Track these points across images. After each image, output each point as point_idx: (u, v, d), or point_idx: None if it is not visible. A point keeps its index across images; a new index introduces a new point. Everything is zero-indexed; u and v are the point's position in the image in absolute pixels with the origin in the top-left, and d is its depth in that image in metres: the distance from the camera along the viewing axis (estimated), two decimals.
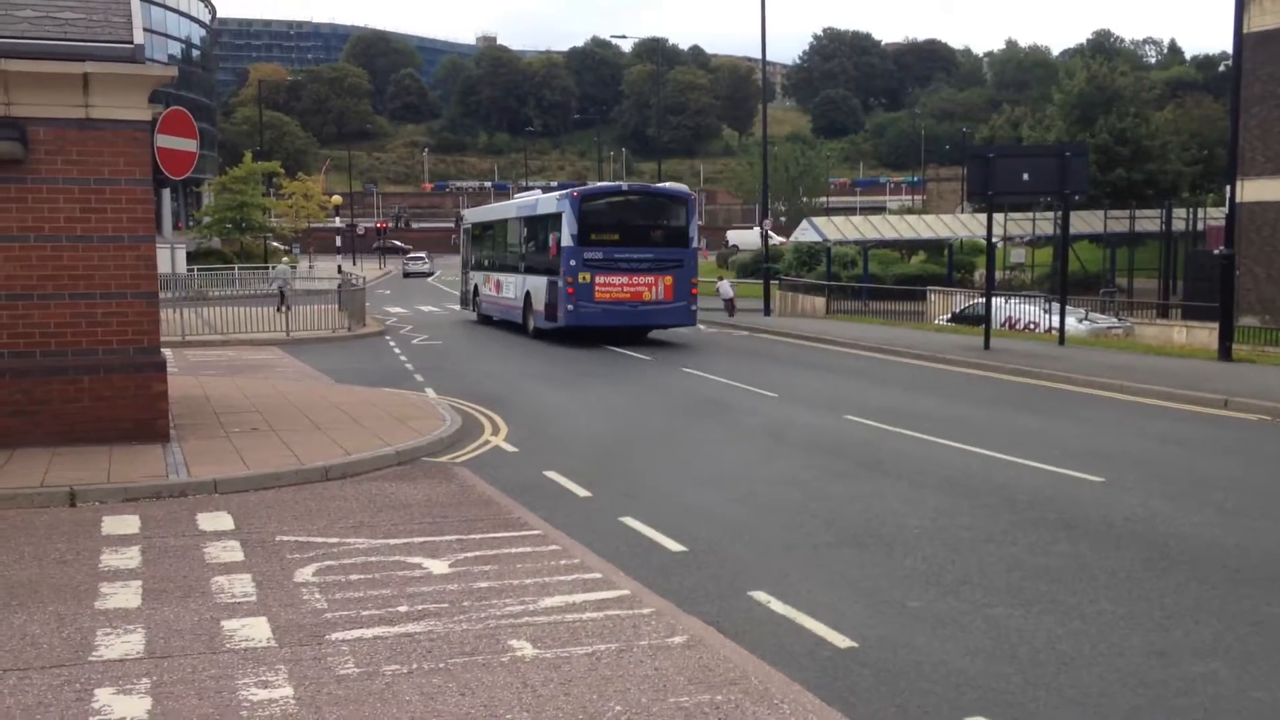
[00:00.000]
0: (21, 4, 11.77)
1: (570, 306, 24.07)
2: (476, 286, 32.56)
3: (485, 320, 31.47)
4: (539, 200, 27.64)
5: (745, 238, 74.47)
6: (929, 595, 7.17)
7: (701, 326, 32.13)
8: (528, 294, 26.72)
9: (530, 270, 26.94)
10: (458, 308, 36.03)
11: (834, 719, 5.19)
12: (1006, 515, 9.30)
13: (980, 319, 24.87)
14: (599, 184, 35.55)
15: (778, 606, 6.90)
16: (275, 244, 62.81)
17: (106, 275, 11.43)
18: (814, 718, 5.17)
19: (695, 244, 25.69)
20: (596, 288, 23.93)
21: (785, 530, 8.85)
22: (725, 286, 37.99)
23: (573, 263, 23.91)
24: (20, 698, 5.37)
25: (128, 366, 11.56)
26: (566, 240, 24.05)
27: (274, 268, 42.58)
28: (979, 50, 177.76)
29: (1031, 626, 6.58)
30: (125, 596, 6.97)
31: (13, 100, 10.92)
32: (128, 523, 8.86)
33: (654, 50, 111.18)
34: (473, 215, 36.32)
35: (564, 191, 26.04)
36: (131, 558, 7.86)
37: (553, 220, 25.19)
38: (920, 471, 11.15)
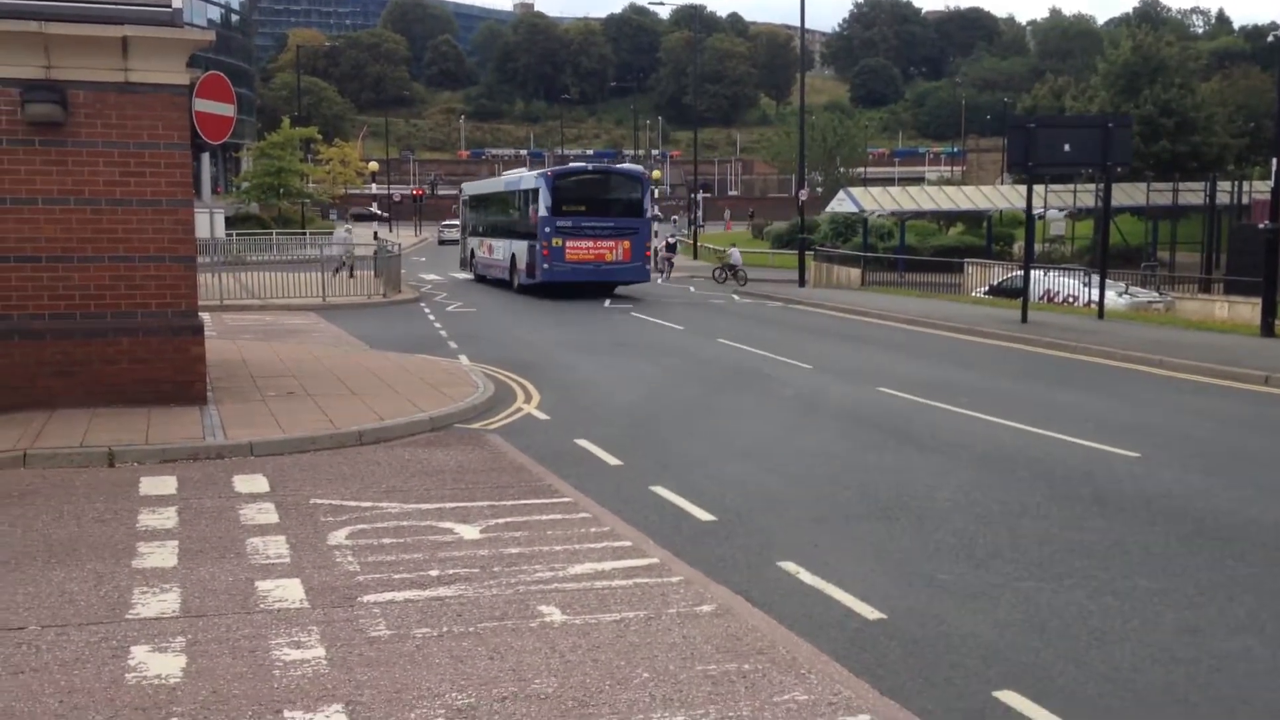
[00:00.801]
0: None
1: (545, 266, 28.54)
2: (473, 250, 37.19)
3: (480, 279, 35.48)
4: (522, 177, 32.52)
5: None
6: (959, 568, 7.14)
7: (735, 297, 32.07)
8: (513, 256, 31.24)
9: (515, 236, 31.43)
10: (465, 273, 38.45)
11: (861, 690, 5.19)
12: (1040, 489, 9.23)
13: (1018, 292, 24.62)
14: (570, 164, 40.36)
15: (807, 577, 6.90)
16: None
17: (145, 238, 11.53)
18: (841, 688, 5.17)
19: (649, 215, 30.48)
20: (567, 250, 28.42)
21: (816, 501, 8.83)
22: (735, 254, 40.08)
23: (547, 230, 28.35)
24: (58, 653, 5.47)
25: (166, 329, 11.68)
26: (543, 211, 28.44)
27: (335, 233, 43.20)
28: (1022, 18, 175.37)
29: (1063, 601, 6.53)
30: (162, 556, 7.08)
31: (53, 63, 10.99)
32: (165, 483, 8.98)
33: (692, 17, 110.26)
34: (470, 188, 40.79)
35: (540, 171, 31.27)
36: (168, 518, 7.97)
37: (532, 194, 29.59)
38: (953, 445, 11.08)
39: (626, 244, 28.94)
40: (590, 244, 28.70)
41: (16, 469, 9.36)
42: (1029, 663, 5.63)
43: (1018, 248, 46.48)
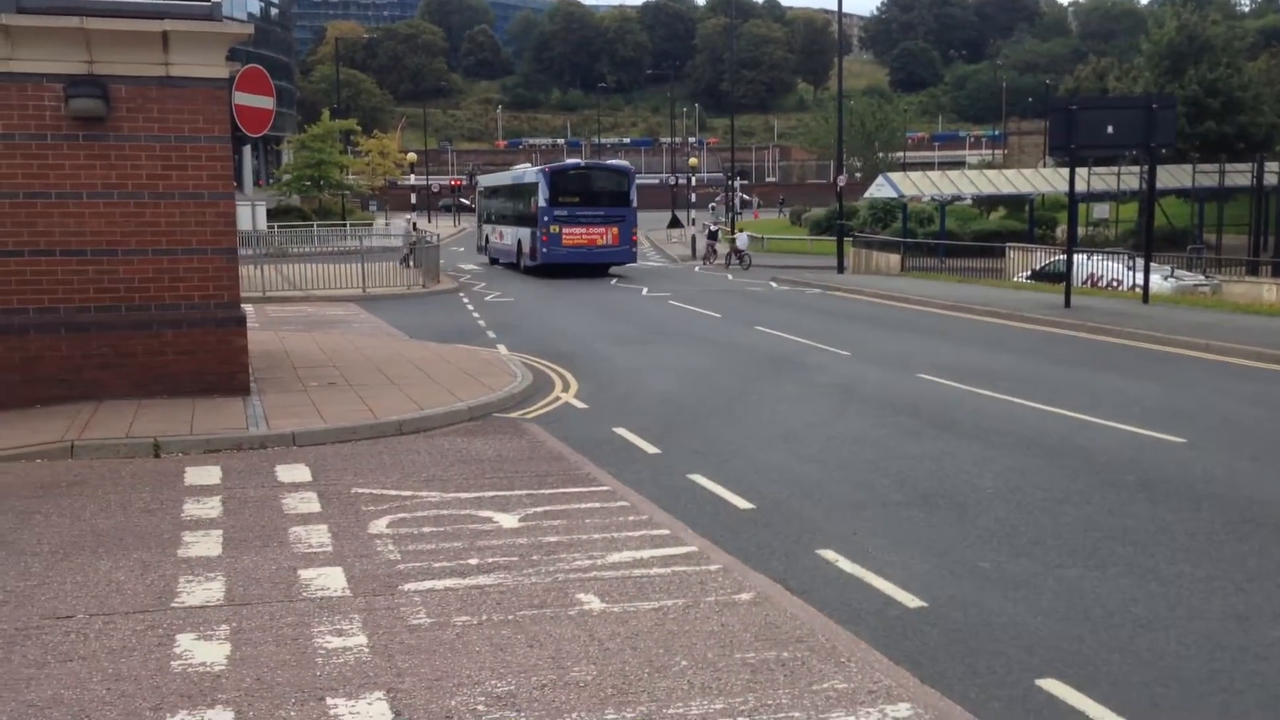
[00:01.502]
0: None
1: (545, 249, 32.62)
2: (487, 236, 41.43)
3: (494, 262, 39.19)
4: (525, 172, 37.29)
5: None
6: (1001, 556, 7.08)
7: (773, 284, 31.97)
8: (519, 240, 35.27)
9: (520, 223, 35.42)
10: (482, 256, 41.32)
11: (902, 678, 5.16)
12: (1083, 476, 9.12)
13: (1061, 276, 24.31)
14: (566, 161, 46.06)
15: (846, 565, 6.87)
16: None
17: (187, 231, 11.66)
18: (882, 676, 5.15)
19: (634, 205, 34.01)
20: (564, 236, 32.50)
21: (855, 489, 8.79)
22: (743, 238, 42.11)
23: (546, 218, 32.41)
24: (105, 641, 5.56)
25: (209, 321, 11.81)
26: (542, 202, 32.50)
27: (403, 223, 44.03)
28: None
29: (1107, 588, 6.46)
30: (207, 545, 7.17)
31: (95, 58, 11.13)
32: (209, 473, 9.09)
33: (728, 3, 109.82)
34: (484, 181, 45.53)
35: (540, 167, 36.01)
36: (213, 507, 8.07)
37: (533, 187, 33.54)
38: (995, 431, 10.98)
39: (615, 230, 33.03)
40: (583, 230, 32.70)
41: (65, 459, 9.52)
42: (1072, 651, 5.57)
43: (1060, 231, 45.92)
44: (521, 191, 35.93)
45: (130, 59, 11.24)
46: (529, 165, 41.86)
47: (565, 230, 32.49)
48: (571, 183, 33.55)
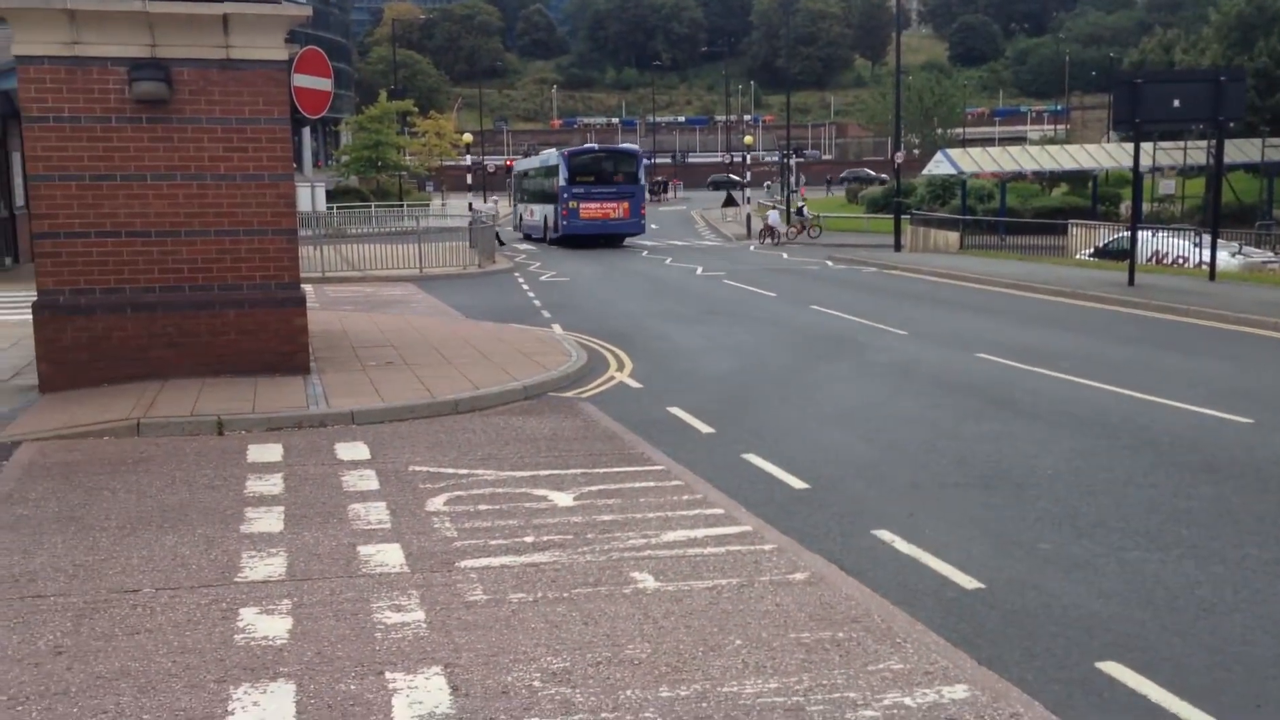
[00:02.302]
0: None
1: (565, 223, 37.74)
2: (520, 214, 46.78)
3: (527, 237, 43.49)
4: (548, 156, 42.16)
5: None
6: (1061, 537, 6.99)
7: (829, 263, 31.72)
8: (545, 216, 40.45)
9: (545, 201, 40.31)
10: (517, 233, 44.80)
11: (959, 659, 5.12)
12: (1146, 457, 8.97)
13: (1125, 254, 23.85)
14: (583, 145, 50.43)
15: (902, 546, 6.82)
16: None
17: (248, 212, 11.82)
18: (938, 657, 5.11)
19: (643, 183, 39.16)
20: (581, 210, 37.42)
21: (911, 469, 8.71)
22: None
23: (565, 196, 37.45)
24: (171, 615, 5.69)
25: (269, 301, 11.98)
26: (562, 182, 37.60)
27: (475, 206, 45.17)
28: None
29: (1170, 571, 6.35)
30: (269, 521, 7.30)
31: (157, 42, 11.29)
32: (271, 451, 9.24)
33: None
34: (518, 165, 50.90)
35: (560, 150, 41.08)
36: (275, 484, 8.20)
37: (555, 169, 38.65)
38: (1055, 411, 10.82)
39: (626, 205, 37.77)
40: (598, 205, 37.47)
41: (131, 437, 9.73)
42: (1134, 634, 5.49)
43: (1124, 208, 44.99)
44: (545, 174, 40.60)
45: (192, 42, 11.39)
46: (553, 150, 45.05)
47: (582, 206, 37.30)
48: (587, 165, 38.42)
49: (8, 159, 27.47)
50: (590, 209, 37.36)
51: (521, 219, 45.99)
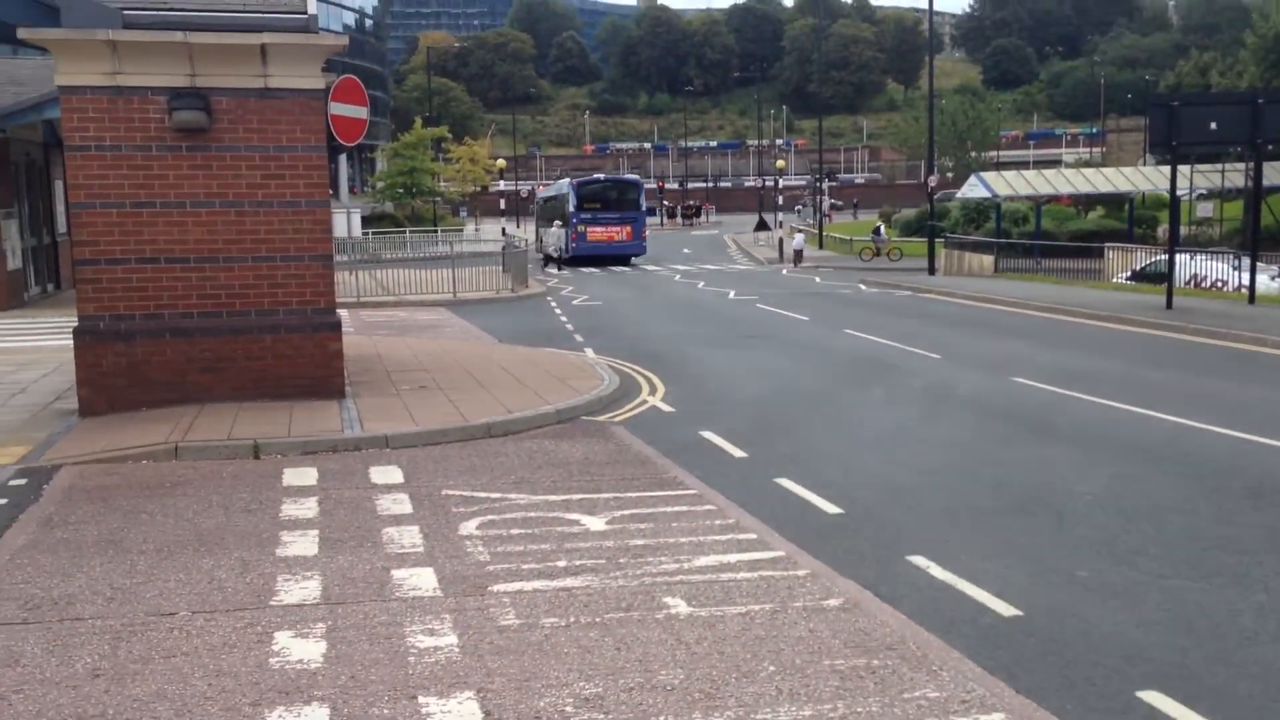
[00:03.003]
0: None
1: (574, 245, 41.75)
2: (541, 237, 50.22)
3: (547, 259, 45.77)
4: (561, 185, 47.71)
5: None
6: (1100, 565, 6.89)
7: (861, 286, 31.63)
8: (558, 239, 44.15)
9: (558, 225, 44.40)
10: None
11: (996, 688, 5.05)
12: (1187, 483, 8.84)
13: (1162, 277, 23.61)
14: (590, 175, 52.39)
15: (937, 572, 6.75)
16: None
17: (285, 238, 11.94)
18: (975, 686, 5.05)
19: (644, 209, 43.49)
20: (588, 234, 41.63)
21: (947, 494, 8.64)
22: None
23: (575, 221, 41.64)
24: (207, 638, 5.72)
25: (306, 326, 12.08)
26: (570, 208, 41.87)
27: (546, 232, 49.10)
28: None
29: (1212, 599, 6.25)
30: (303, 545, 7.33)
31: (197, 71, 11.46)
32: (306, 474, 9.30)
33: (816, 3, 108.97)
34: (540, 193, 57.29)
35: (570, 180, 46.11)
36: (309, 508, 8.25)
37: (565, 198, 43.24)
38: (1093, 436, 10.70)
39: (629, 229, 41.81)
40: (604, 229, 41.54)
41: (169, 461, 9.83)
42: (1175, 663, 5.40)
43: (1161, 231, 44.56)
44: (559, 201, 45.06)
45: (230, 71, 11.56)
46: (566, 179, 51.26)
47: (589, 229, 41.49)
48: (593, 193, 42.64)
49: (50, 187, 27.96)
50: (596, 232, 41.53)
51: (541, 241, 49.53)
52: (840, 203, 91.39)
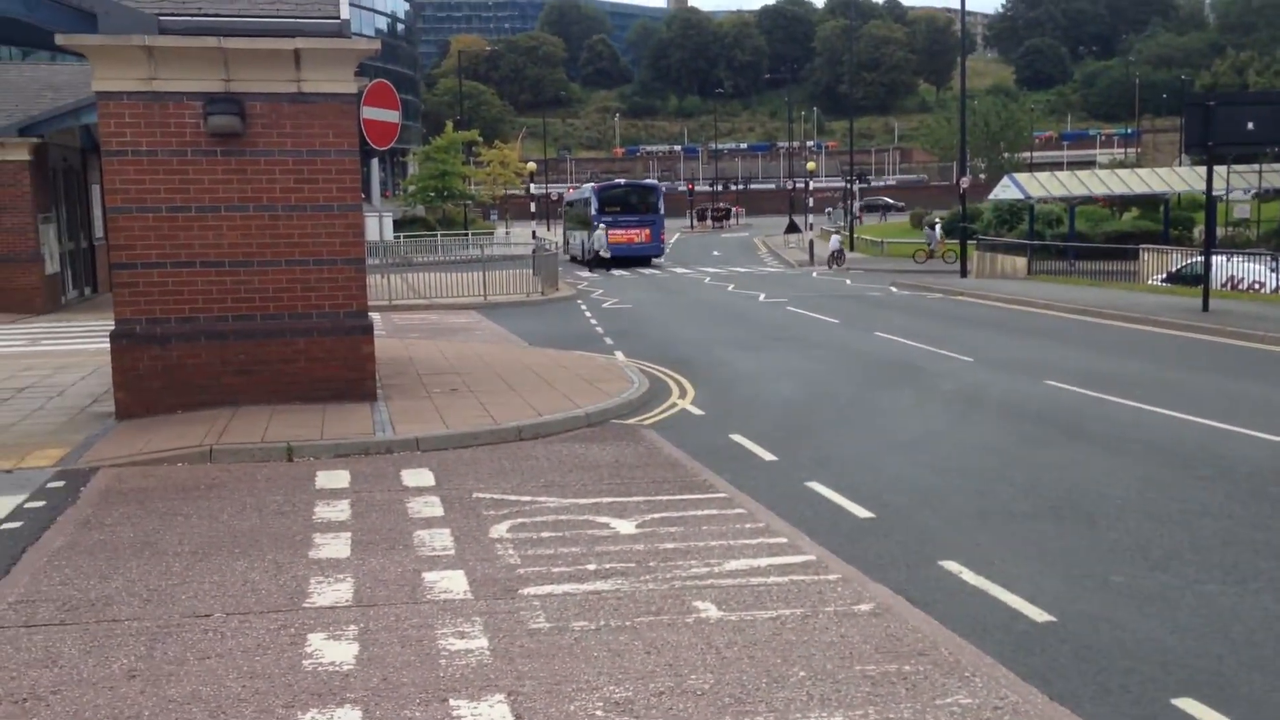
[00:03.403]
0: None
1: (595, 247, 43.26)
2: (566, 239, 52.46)
3: (572, 259, 47.33)
4: (584, 189, 49.29)
5: None
6: (1134, 570, 6.83)
7: (893, 288, 31.47)
8: (581, 240, 46.50)
9: (582, 228, 46.30)
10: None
11: (1029, 694, 5.02)
12: (1223, 487, 8.74)
13: (1198, 279, 23.35)
14: (611, 180, 56.94)
15: (970, 577, 6.71)
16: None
17: (318, 242, 12.03)
18: (1008, 692, 5.01)
19: (661, 212, 44.69)
20: (609, 236, 42.73)
21: (979, 498, 8.59)
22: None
23: (596, 224, 43.03)
24: (241, 640, 5.77)
25: (338, 329, 12.17)
26: (593, 212, 43.50)
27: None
28: None
29: (1248, 605, 6.18)
30: (336, 547, 7.39)
31: (232, 76, 11.58)
32: (339, 477, 9.37)
33: (847, 5, 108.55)
34: (567, 197, 56.92)
35: (592, 185, 48.91)
36: (342, 511, 8.31)
37: (588, 201, 44.91)
38: (1128, 439, 10.60)
39: (647, 231, 43.46)
40: (624, 232, 43.00)
41: (204, 463, 9.93)
42: (1211, 669, 5.34)
43: (1198, 232, 44.08)
44: (583, 204, 46.60)
45: (265, 77, 11.67)
46: (590, 184, 52.80)
47: (610, 232, 42.72)
48: (614, 197, 44.59)
49: (87, 192, 28.33)
50: (617, 235, 42.95)
51: (567, 243, 51.43)
52: (891, 201, 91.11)
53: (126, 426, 11.30)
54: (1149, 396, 12.77)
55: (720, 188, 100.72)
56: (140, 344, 11.67)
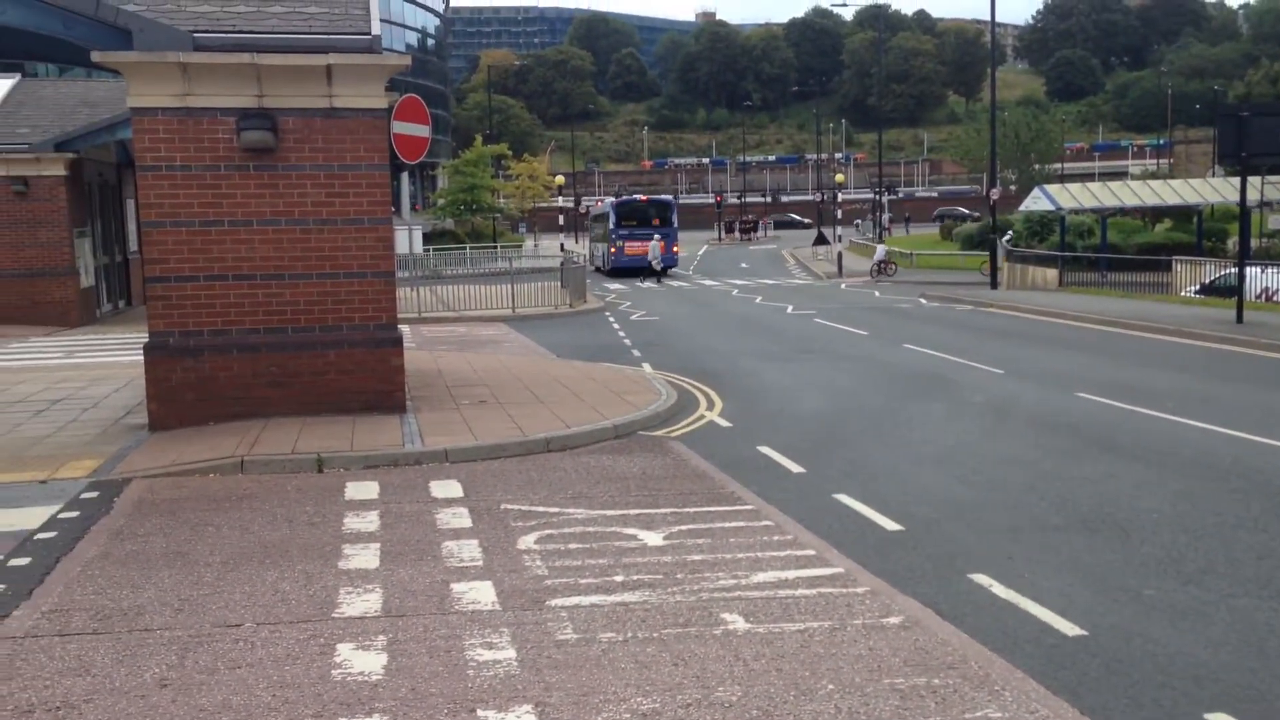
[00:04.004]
0: (272, 0, 12.61)
1: (613, 258, 46.59)
2: (591, 251, 54.69)
3: (596, 269, 48.29)
4: (604, 204, 52.63)
5: None
6: (1167, 584, 6.76)
7: (922, 300, 31.33)
8: (602, 252, 49.54)
9: (602, 240, 49.96)
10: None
11: (1061, 709, 4.97)
12: (1258, 501, 8.64)
13: (1232, 290, 23.12)
14: (627, 196, 59.15)
15: (1000, 590, 6.67)
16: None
17: (349, 256, 12.13)
18: (1039, 706, 4.97)
19: (675, 226, 47.61)
20: (625, 248, 46.10)
21: (1009, 511, 8.53)
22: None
23: (614, 236, 46.64)
24: (271, 650, 5.82)
25: (368, 341, 12.26)
26: (611, 225, 46.99)
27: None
28: (1233, 1, 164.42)
29: None
30: (365, 558, 7.43)
31: (264, 92, 11.70)
32: (368, 488, 9.42)
33: (876, 17, 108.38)
34: (593, 211, 60.40)
35: (610, 200, 52.89)
36: (371, 521, 8.36)
37: (606, 215, 48.68)
38: (1160, 452, 10.49)
39: (661, 243, 45.15)
40: (639, 244, 45.44)
41: (235, 474, 10.02)
42: (1245, 684, 5.28)
43: (1231, 244, 43.62)
44: (604, 218, 49.86)
45: (297, 92, 11.78)
46: (610, 198, 57.30)
47: (626, 244, 46.19)
48: (630, 211, 47.87)
49: (122, 206, 28.70)
50: (633, 247, 45.84)
51: (592, 255, 53.90)
52: (890, 215, 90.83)
53: (159, 438, 11.42)
54: (1182, 409, 12.65)
55: (761, 198, 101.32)
56: (173, 356, 11.80)
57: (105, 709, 5.10)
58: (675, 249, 47.42)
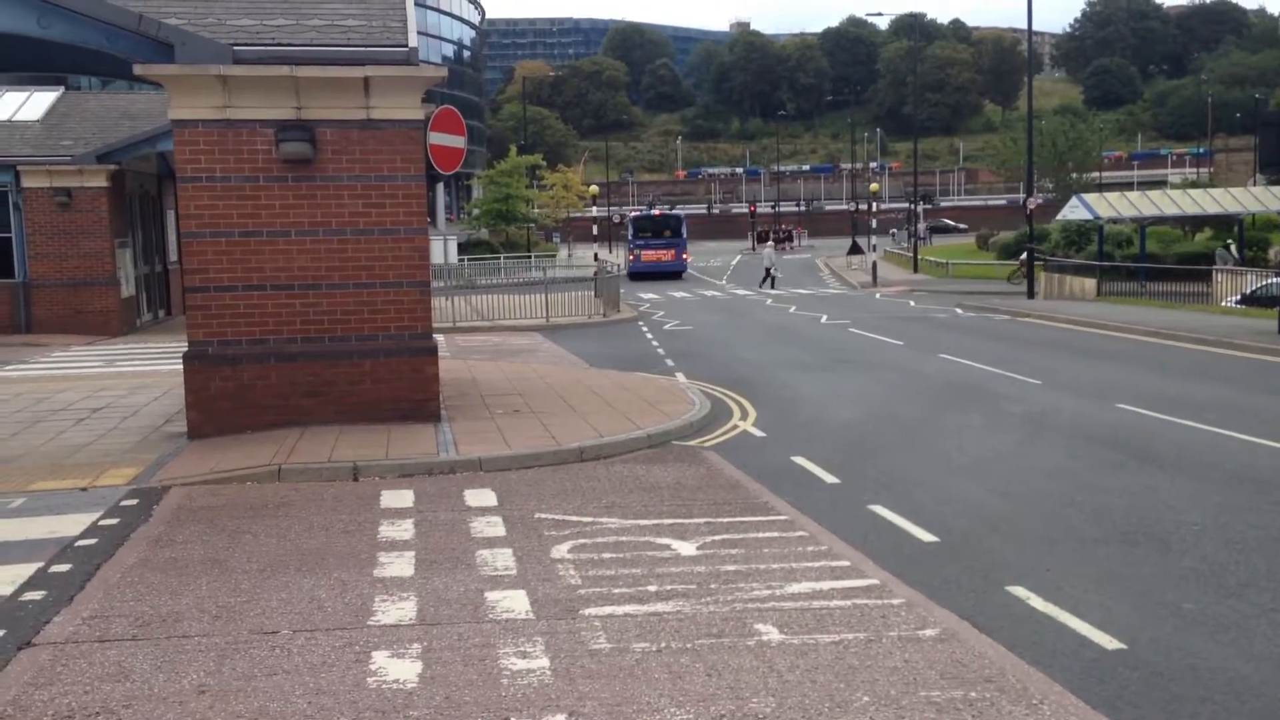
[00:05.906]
0: (310, 13, 12.76)
1: (632, 264, 51.83)
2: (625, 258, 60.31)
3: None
4: (625, 217, 62.72)
5: None
6: (1208, 597, 6.67)
7: (958, 310, 31.13)
8: (625, 259, 54.18)
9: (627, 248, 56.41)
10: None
11: None
12: None
13: (1274, 300, 22.80)
14: (644, 213, 65.78)
15: (1038, 603, 6.60)
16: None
17: (385, 266, 12.22)
18: None
19: (685, 236, 54.78)
20: (642, 255, 52.60)
21: (1047, 523, 8.44)
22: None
23: (632, 245, 53.45)
24: (307, 657, 5.86)
25: (404, 351, 12.33)
26: (630, 236, 54.74)
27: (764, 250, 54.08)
28: (1274, 9, 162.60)
29: None
30: (400, 566, 7.47)
31: (303, 104, 11.83)
32: (403, 497, 9.48)
33: (911, 26, 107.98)
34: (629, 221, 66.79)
35: (630, 215, 62.68)
36: (406, 530, 8.40)
37: (626, 227, 57.08)
38: (1201, 464, 10.36)
39: (672, 251, 52.89)
40: (654, 252, 52.68)
41: (273, 482, 10.10)
42: None
43: (1273, 253, 43.02)
44: (626, 230, 57.46)
45: (335, 104, 11.90)
46: (633, 211, 68.11)
47: (642, 252, 52.74)
48: (645, 224, 55.52)
49: (162, 217, 29.08)
50: (648, 254, 52.78)
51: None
52: (951, 223, 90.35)
53: (198, 446, 11.54)
54: (1223, 420, 12.48)
55: (795, 208, 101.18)
56: (212, 365, 11.93)
57: (144, 714, 5.15)
58: (685, 256, 55.07)
